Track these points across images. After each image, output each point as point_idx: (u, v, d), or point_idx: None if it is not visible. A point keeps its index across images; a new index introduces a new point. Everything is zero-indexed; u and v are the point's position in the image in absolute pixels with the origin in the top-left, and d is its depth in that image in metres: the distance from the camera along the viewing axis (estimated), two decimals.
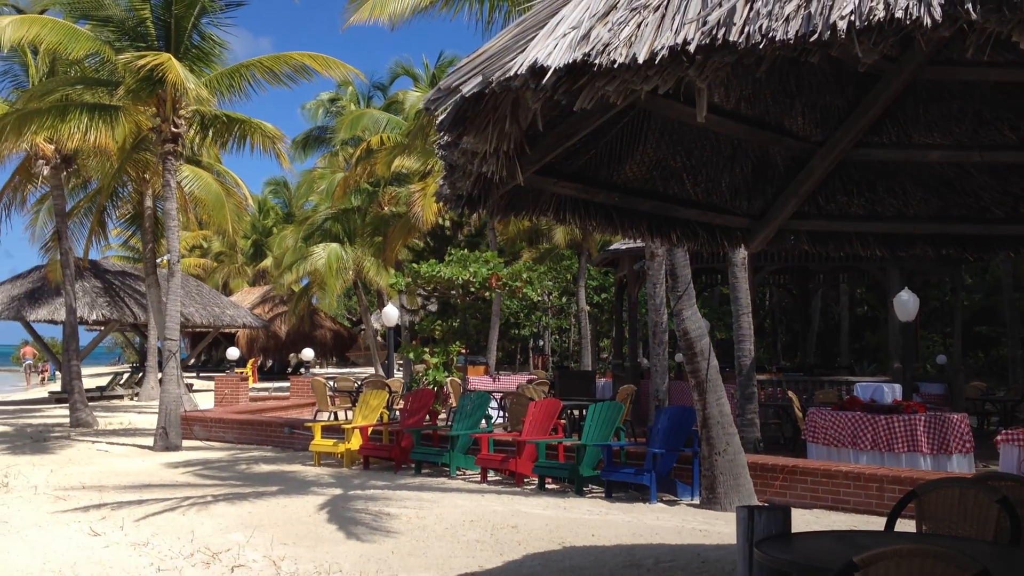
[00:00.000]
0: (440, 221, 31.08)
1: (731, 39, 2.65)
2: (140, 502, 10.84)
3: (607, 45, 2.83)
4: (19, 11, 19.16)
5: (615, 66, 2.80)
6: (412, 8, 14.25)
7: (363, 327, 46.67)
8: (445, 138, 3.87)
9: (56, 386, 38.44)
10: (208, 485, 12.07)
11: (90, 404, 21.65)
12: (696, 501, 10.65)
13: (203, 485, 12.09)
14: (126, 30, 16.26)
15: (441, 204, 5.29)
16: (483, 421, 13.39)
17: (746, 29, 2.66)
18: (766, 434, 14.41)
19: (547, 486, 11.69)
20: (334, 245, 32.22)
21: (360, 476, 12.83)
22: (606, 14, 2.94)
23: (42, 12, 17.62)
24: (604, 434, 11.42)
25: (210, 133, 18.15)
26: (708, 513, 10.04)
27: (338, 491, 11.29)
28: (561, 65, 2.90)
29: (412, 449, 13.16)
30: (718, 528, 9.13)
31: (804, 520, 9.09)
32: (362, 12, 14.40)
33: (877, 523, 8.77)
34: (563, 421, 13.71)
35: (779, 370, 20.18)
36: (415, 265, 24.07)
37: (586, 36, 2.90)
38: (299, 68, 16.80)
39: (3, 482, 12.59)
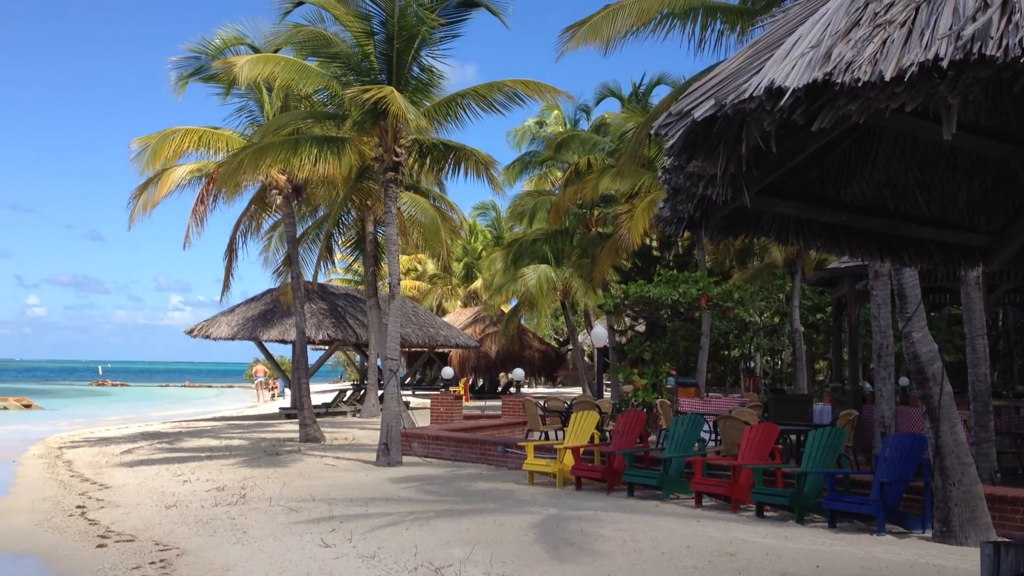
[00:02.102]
0: (647, 241, 30.96)
1: (988, 53, 2.52)
2: (366, 515, 11.33)
3: (850, 63, 2.75)
4: (255, 50, 20.62)
5: (859, 85, 2.72)
6: (627, 31, 14.34)
7: (570, 347, 47.06)
8: (671, 161, 3.87)
9: (285, 402, 40.91)
10: (428, 501, 12.48)
11: (317, 420, 22.86)
12: (927, 534, 10.06)
13: (423, 500, 12.51)
14: (352, 65, 17.18)
15: (659, 226, 5.28)
16: (696, 444, 13.19)
17: (1004, 42, 2.52)
18: (1003, 464, 13.42)
19: (765, 514, 11.37)
20: (544, 266, 32.71)
21: (573, 496, 12.91)
22: (848, 31, 2.87)
23: (276, 51, 18.87)
24: (826, 461, 10.99)
25: (428, 161, 18.89)
26: (941, 547, 9.46)
27: (552, 511, 11.40)
28: (800, 85, 2.85)
29: (624, 471, 13.12)
30: (953, 563, 8.59)
31: None
32: (575, 40, 14.63)
33: None
34: (779, 446, 13.30)
35: (1016, 396, 18.81)
36: (623, 285, 24.07)
37: (827, 55, 2.83)
38: (511, 95, 17.22)
39: (241, 493, 13.50)
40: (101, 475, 16.74)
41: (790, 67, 2.93)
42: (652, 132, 3.71)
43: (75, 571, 9.39)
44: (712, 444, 15.59)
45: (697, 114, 3.25)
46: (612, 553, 8.98)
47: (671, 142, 3.52)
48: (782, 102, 2.92)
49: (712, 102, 3.22)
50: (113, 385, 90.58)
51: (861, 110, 2.86)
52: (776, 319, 32.09)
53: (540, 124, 41.11)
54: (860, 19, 2.90)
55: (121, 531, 11.23)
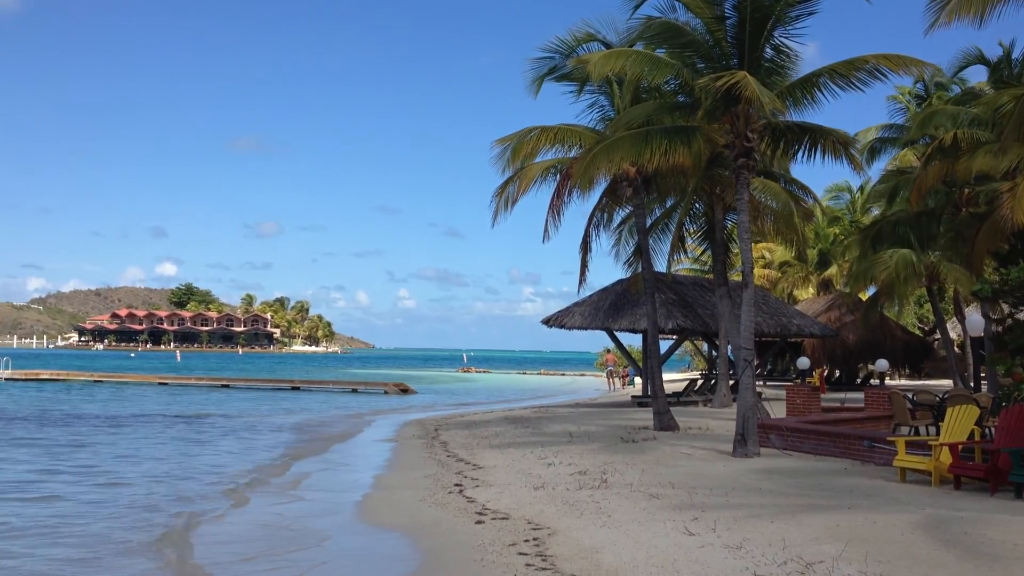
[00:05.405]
0: None
1: None
2: (727, 506, 11.23)
3: None
4: (607, 46, 20.99)
5: None
6: None
7: (938, 337, 43.74)
8: None
9: (635, 390, 41.60)
10: (791, 494, 12.11)
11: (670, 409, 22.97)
12: None
13: (786, 494, 12.17)
14: (702, 53, 17.02)
15: None
16: None
17: None
18: None
19: None
20: (904, 251, 30.57)
21: (950, 496, 11.99)
22: None
23: (630, 45, 19.11)
24: None
25: (781, 144, 18.31)
26: None
27: (929, 510, 10.65)
28: None
29: (1011, 471, 11.97)
30: None
31: None
32: (948, 15, 13.40)
33: None
34: None
35: None
36: (1003, 269, 21.92)
37: None
38: (872, 71, 16.21)
39: (603, 478, 13.89)
40: (473, 456, 17.96)
41: None
42: None
43: (458, 544, 10.16)
44: None
45: None
46: (1006, 557, 8.25)
47: None
48: None
49: None
50: (477, 372, 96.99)
51: None
52: None
53: (919, 98, 38.03)
54: None
55: (496, 509, 11.99)
